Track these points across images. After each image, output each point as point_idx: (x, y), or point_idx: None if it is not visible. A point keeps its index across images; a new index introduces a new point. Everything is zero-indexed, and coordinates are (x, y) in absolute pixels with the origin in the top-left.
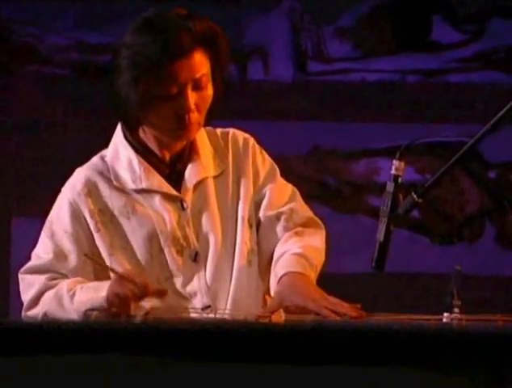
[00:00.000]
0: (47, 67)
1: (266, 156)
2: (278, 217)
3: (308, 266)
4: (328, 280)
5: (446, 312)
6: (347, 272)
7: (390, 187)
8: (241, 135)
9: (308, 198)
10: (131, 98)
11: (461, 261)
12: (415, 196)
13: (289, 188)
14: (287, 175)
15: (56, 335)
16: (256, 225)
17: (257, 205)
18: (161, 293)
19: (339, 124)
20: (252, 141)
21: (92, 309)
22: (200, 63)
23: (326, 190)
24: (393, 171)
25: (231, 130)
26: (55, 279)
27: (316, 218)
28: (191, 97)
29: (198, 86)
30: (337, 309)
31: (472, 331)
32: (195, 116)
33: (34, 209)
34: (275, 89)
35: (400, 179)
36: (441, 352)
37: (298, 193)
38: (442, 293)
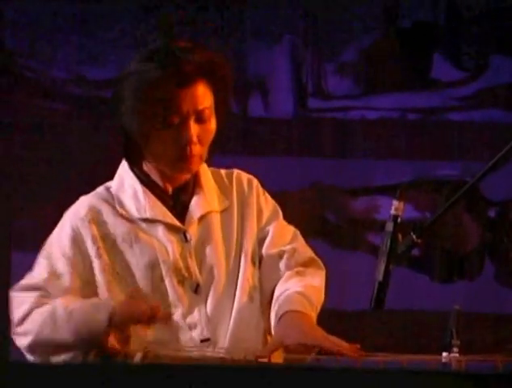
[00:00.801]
0: (47, 101)
1: (269, 197)
2: (280, 256)
3: (309, 305)
4: (326, 317)
5: (446, 351)
6: (346, 309)
7: (389, 226)
8: (245, 175)
9: (307, 234)
10: (133, 127)
11: (460, 299)
12: (414, 236)
13: (291, 229)
14: (287, 210)
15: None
16: (258, 262)
17: (259, 243)
18: (166, 317)
19: (339, 160)
20: (256, 181)
21: (89, 333)
22: (203, 95)
23: (326, 226)
24: (393, 211)
25: (235, 171)
26: (46, 297)
27: (317, 259)
28: (194, 129)
29: (201, 119)
30: (336, 349)
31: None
32: (197, 149)
33: (34, 243)
34: (275, 124)
35: (399, 219)
36: None
37: (299, 234)
38: (441, 331)
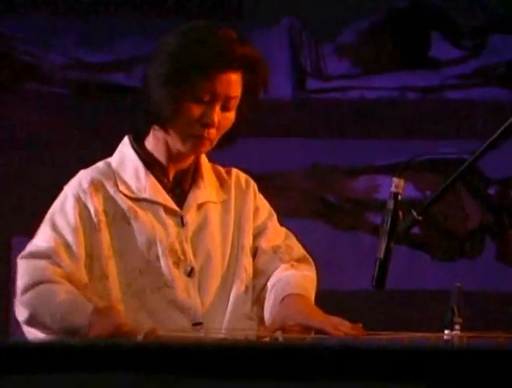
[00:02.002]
0: (46, 86)
1: (264, 199)
2: (275, 250)
3: (307, 291)
4: (327, 297)
5: (447, 329)
6: (347, 289)
7: (390, 204)
8: (243, 175)
9: (307, 215)
10: (161, 93)
11: (461, 277)
12: (415, 213)
13: (284, 230)
14: (287, 191)
15: (56, 353)
16: (252, 255)
17: (254, 238)
18: (132, 334)
19: (339, 141)
20: (253, 182)
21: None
22: (236, 85)
23: (326, 207)
24: (393, 189)
25: (234, 169)
26: (55, 266)
27: (308, 257)
28: (217, 114)
29: (226, 107)
30: (339, 328)
31: (471, 348)
32: (213, 133)
33: (35, 229)
34: (275, 106)
35: (399, 197)
36: (440, 371)
37: (292, 235)
38: (442, 309)
